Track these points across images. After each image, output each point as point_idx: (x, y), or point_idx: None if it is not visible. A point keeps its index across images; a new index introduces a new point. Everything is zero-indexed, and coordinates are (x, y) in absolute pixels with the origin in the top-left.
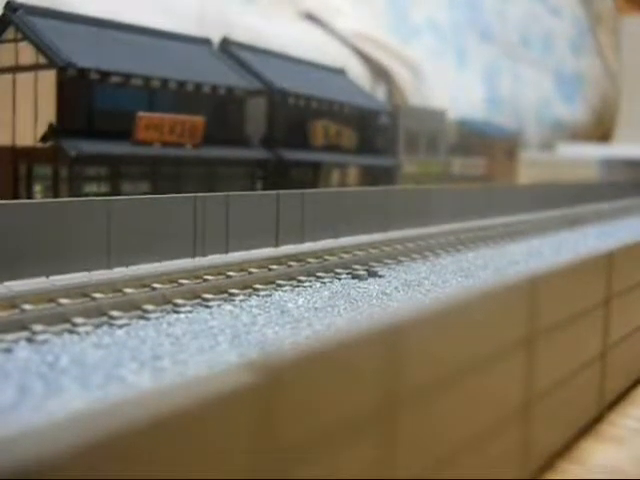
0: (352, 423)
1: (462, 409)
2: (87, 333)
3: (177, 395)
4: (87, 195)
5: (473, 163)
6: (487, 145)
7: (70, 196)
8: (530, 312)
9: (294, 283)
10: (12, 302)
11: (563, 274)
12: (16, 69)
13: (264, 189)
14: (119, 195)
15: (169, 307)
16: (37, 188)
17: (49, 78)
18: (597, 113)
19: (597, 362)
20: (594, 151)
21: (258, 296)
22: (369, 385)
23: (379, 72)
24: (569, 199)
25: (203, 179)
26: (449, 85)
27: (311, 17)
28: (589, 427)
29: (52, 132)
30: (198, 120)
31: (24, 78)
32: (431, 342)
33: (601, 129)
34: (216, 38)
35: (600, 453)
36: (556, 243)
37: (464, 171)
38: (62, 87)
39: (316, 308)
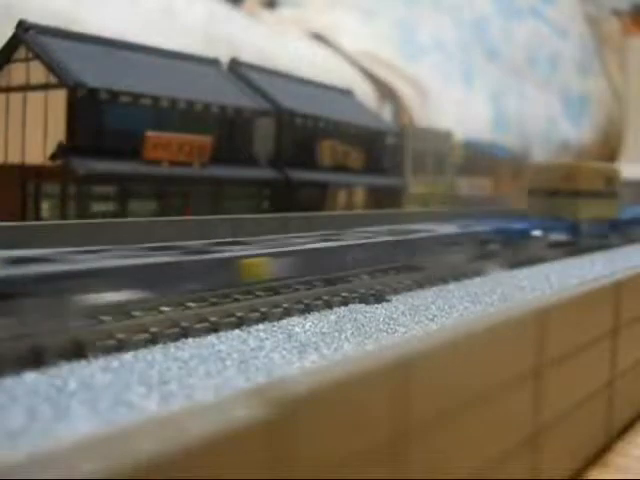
0: (363, 457)
1: (471, 440)
2: (95, 356)
3: (186, 430)
4: (95, 213)
5: (479, 184)
6: (493, 166)
7: (78, 214)
8: (538, 342)
9: (301, 307)
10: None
11: (570, 304)
12: (27, 88)
13: (271, 208)
14: (126, 213)
15: (177, 330)
16: (45, 206)
17: (59, 97)
18: (604, 133)
19: (605, 391)
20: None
21: (265, 319)
22: (379, 418)
23: (385, 91)
24: None
25: (211, 198)
26: (455, 105)
27: (318, 37)
28: (597, 456)
29: (61, 150)
30: (206, 140)
31: (34, 97)
32: (439, 374)
33: (607, 149)
34: (224, 58)
35: None
36: None
37: (470, 192)
38: (72, 106)
39: (323, 333)
